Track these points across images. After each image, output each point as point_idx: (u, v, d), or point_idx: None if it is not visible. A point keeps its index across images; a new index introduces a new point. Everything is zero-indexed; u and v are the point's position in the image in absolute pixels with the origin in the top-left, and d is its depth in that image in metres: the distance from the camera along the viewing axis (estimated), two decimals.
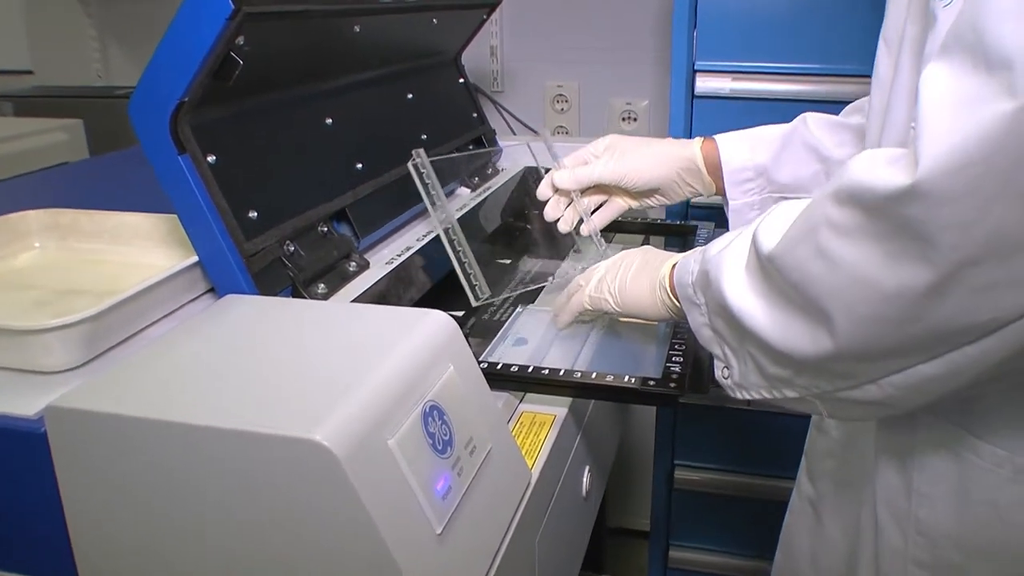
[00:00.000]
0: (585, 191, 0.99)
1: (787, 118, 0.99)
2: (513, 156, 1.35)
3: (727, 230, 1.13)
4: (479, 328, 0.92)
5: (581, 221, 0.99)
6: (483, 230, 1.10)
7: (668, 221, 1.29)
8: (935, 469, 0.64)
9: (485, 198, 1.16)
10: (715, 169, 0.98)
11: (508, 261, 1.11)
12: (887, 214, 0.48)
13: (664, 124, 1.62)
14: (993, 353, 0.49)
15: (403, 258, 0.91)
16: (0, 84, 1.87)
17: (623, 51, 1.70)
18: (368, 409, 0.52)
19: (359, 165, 0.94)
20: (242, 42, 0.70)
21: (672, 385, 0.73)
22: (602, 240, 1.01)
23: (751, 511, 1.54)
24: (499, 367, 0.77)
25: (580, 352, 0.84)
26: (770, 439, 1.48)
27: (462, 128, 1.26)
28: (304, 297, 0.76)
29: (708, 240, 1.10)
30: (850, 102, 0.97)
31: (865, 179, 0.49)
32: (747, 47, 1.28)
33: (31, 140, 1.50)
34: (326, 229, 0.85)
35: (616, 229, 1.21)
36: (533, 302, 0.99)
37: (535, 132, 1.80)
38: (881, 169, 0.48)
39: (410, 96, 1.12)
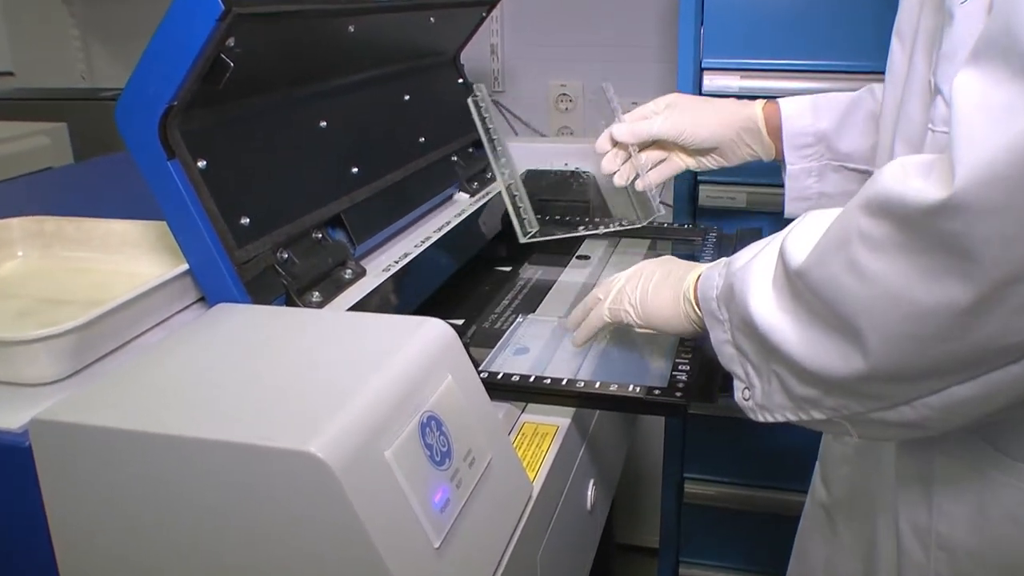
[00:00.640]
0: (643, 148, 1.01)
1: None
2: (514, 159, 1.35)
3: (734, 233, 1.15)
4: (479, 337, 0.93)
5: (637, 177, 1.01)
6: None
7: (676, 224, 1.30)
8: (957, 484, 0.65)
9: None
10: (775, 132, 0.99)
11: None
12: (923, 227, 0.47)
13: None
14: None
15: (400, 265, 0.91)
16: None
17: (628, 48, 1.72)
18: (364, 420, 0.53)
19: (355, 169, 0.96)
20: (233, 44, 0.71)
21: (678, 394, 0.74)
22: (656, 196, 1.03)
23: (764, 526, 1.54)
24: (500, 376, 0.78)
25: (583, 361, 0.85)
26: (784, 450, 1.49)
27: (461, 130, 1.27)
28: (298, 306, 0.77)
29: (717, 245, 1.11)
30: None
31: (897, 190, 0.49)
32: (756, 44, 1.29)
33: (13, 145, 1.51)
34: (321, 235, 0.86)
35: (622, 234, 1.22)
36: (535, 311, 1.00)
37: (539, 133, 1.82)
38: (914, 180, 0.48)
39: (407, 98, 1.13)
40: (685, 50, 1.30)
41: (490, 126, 0.96)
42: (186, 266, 0.75)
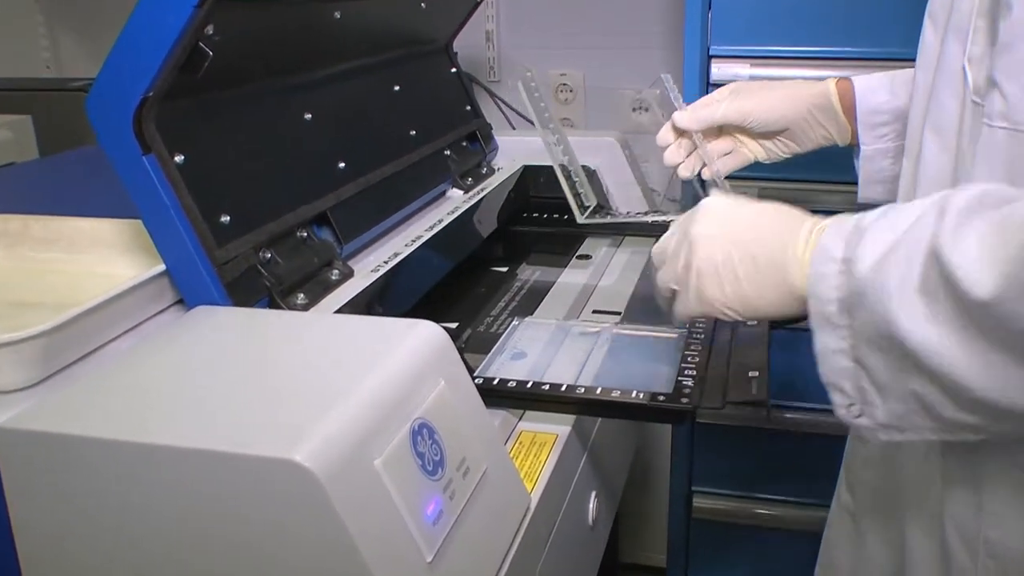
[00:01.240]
0: (708, 137, 1.01)
1: None
2: (510, 153, 1.36)
3: None
4: (474, 340, 0.93)
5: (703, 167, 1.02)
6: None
7: None
8: (1007, 489, 0.65)
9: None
10: (850, 110, 0.97)
11: None
12: None
13: None
14: None
15: (390, 266, 0.92)
16: None
17: (631, 36, 1.72)
18: (352, 427, 0.53)
19: (341, 164, 0.96)
20: (212, 31, 0.71)
21: (684, 400, 0.74)
22: (726, 184, 1.03)
23: (778, 543, 1.54)
24: (496, 382, 0.78)
25: (584, 366, 0.86)
26: (799, 461, 1.49)
27: (455, 122, 1.28)
28: (282, 308, 0.78)
29: None
30: None
31: None
32: (767, 30, 1.30)
33: None
34: (306, 234, 0.86)
35: (624, 232, 1.23)
36: (533, 314, 1.00)
37: (536, 125, 1.82)
38: None
39: (397, 88, 1.14)
40: (691, 36, 1.30)
41: (542, 104, 1.03)
42: (163, 267, 0.75)
